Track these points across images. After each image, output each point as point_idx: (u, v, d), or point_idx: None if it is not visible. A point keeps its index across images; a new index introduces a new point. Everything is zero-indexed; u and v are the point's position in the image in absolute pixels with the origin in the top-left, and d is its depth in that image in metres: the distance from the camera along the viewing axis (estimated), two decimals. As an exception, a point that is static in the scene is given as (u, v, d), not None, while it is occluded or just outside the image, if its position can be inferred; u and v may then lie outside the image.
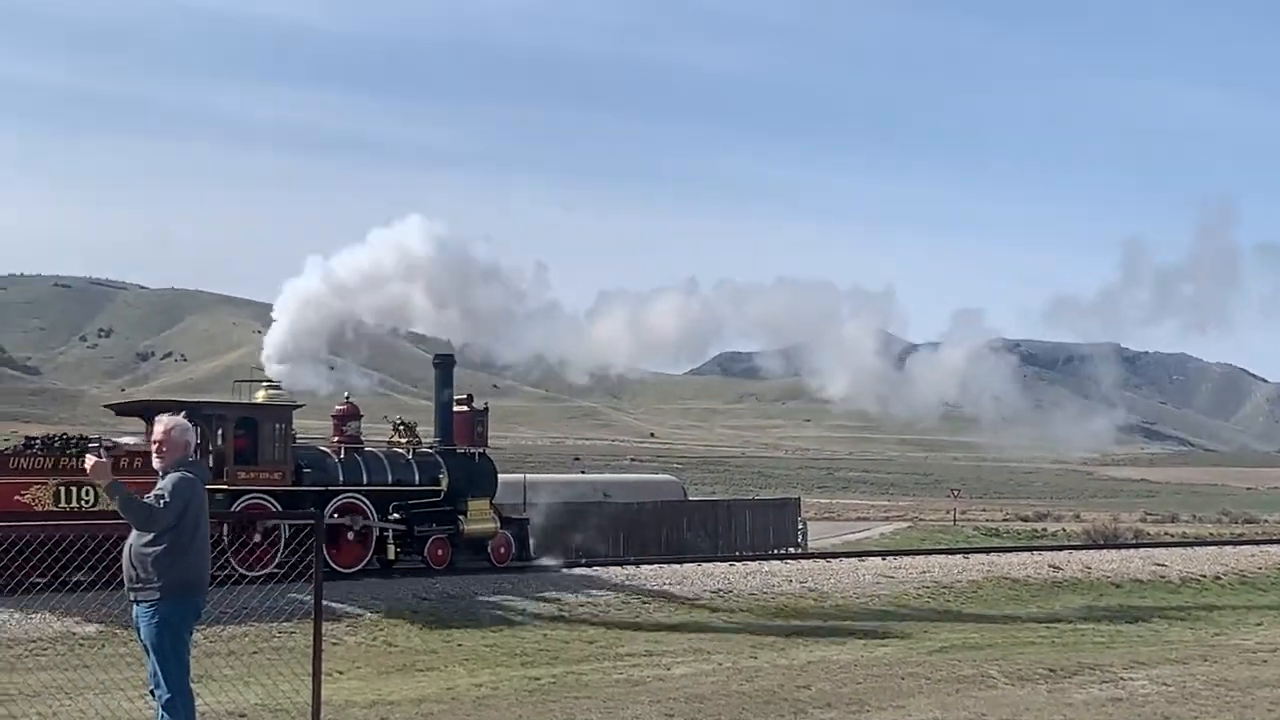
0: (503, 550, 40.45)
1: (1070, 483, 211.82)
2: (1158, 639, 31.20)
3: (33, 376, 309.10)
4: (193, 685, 11.41)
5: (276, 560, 36.18)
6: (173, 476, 11.10)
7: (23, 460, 34.17)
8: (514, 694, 22.60)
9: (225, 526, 34.78)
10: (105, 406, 49.58)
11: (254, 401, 40.35)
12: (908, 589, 43.11)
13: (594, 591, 39.46)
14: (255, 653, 23.47)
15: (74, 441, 35.12)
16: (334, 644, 27.59)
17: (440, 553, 39.61)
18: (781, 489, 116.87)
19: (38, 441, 35.07)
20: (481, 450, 42.32)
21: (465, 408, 42.89)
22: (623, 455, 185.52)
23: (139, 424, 38.90)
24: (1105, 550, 56.63)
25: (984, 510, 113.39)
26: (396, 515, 39.65)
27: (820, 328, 49.17)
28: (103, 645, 26.30)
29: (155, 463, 11.34)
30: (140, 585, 10.98)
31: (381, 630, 31.71)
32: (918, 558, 49.52)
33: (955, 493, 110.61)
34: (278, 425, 38.24)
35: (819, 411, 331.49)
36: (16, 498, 32.99)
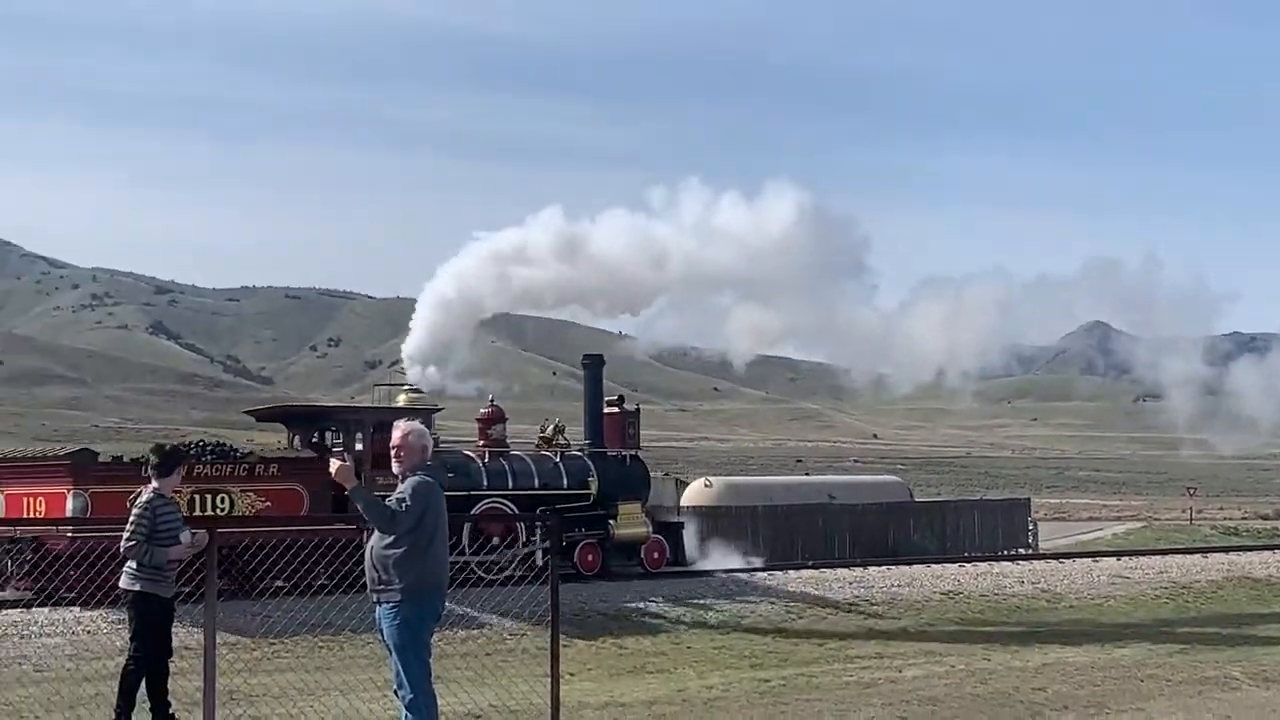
0: (656, 555, 39.70)
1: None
2: None
3: (266, 386, 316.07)
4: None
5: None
6: (412, 480, 11.32)
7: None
8: (744, 696, 22.65)
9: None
10: (245, 413, 50.34)
11: (392, 405, 40.03)
12: (1144, 589, 42.39)
13: (796, 595, 39.16)
14: (488, 655, 23.71)
15: (207, 448, 35.49)
16: (565, 646, 27.94)
17: (590, 558, 38.75)
18: (1009, 489, 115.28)
19: (170, 449, 34.83)
20: (633, 453, 41.68)
21: (616, 409, 42.34)
22: (845, 457, 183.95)
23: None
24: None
25: (1221, 508, 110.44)
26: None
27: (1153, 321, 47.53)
28: (342, 647, 26.79)
29: (394, 467, 11.58)
30: (382, 587, 11.21)
31: (611, 634, 31.84)
32: (1154, 558, 48.62)
33: (1191, 491, 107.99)
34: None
35: (1048, 410, 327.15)
36: None
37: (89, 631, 27.73)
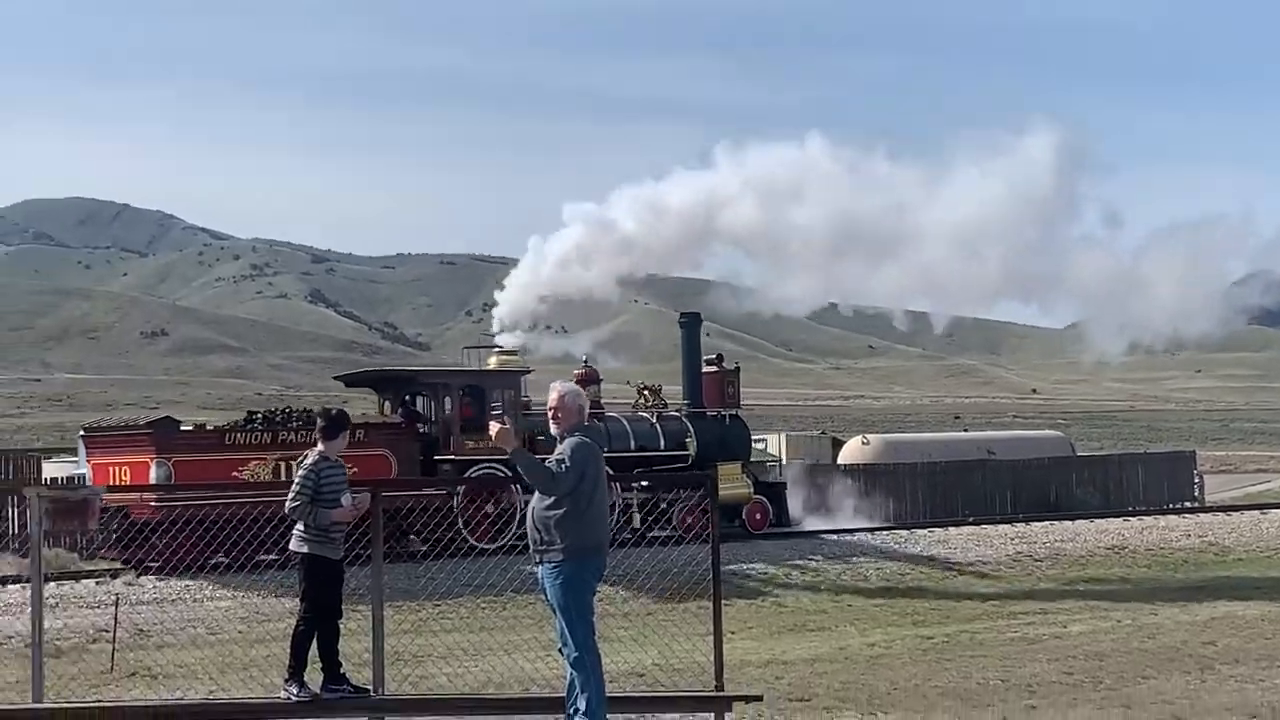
0: (758, 516, 38.75)
1: None
2: None
3: (423, 352, 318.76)
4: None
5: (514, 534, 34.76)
6: (570, 440, 11.43)
7: (240, 436, 34.22)
8: (907, 653, 22.71)
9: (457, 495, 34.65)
10: (335, 378, 50.29)
11: (481, 369, 39.90)
12: (1316, 542, 41.89)
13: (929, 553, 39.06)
14: (649, 614, 23.90)
15: (294, 415, 35.36)
16: (725, 605, 28.13)
17: (689, 520, 37.47)
18: (1173, 443, 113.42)
19: (259, 416, 35.23)
20: (733, 412, 40.79)
21: (714, 368, 41.59)
22: (1004, 412, 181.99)
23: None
24: None
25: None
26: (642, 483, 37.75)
27: None
28: (504, 608, 27.03)
29: (552, 428, 11.69)
30: (544, 547, 11.34)
31: (771, 592, 31.93)
32: (1326, 510, 48.04)
33: None
34: (507, 392, 37.34)
35: (1208, 362, 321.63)
36: (235, 473, 32.88)
37: (260, 595, 28.21)
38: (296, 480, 12.58)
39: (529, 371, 39.62)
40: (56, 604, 27.43)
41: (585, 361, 41.98)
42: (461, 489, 35.24)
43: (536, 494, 11.58)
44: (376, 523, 13.47)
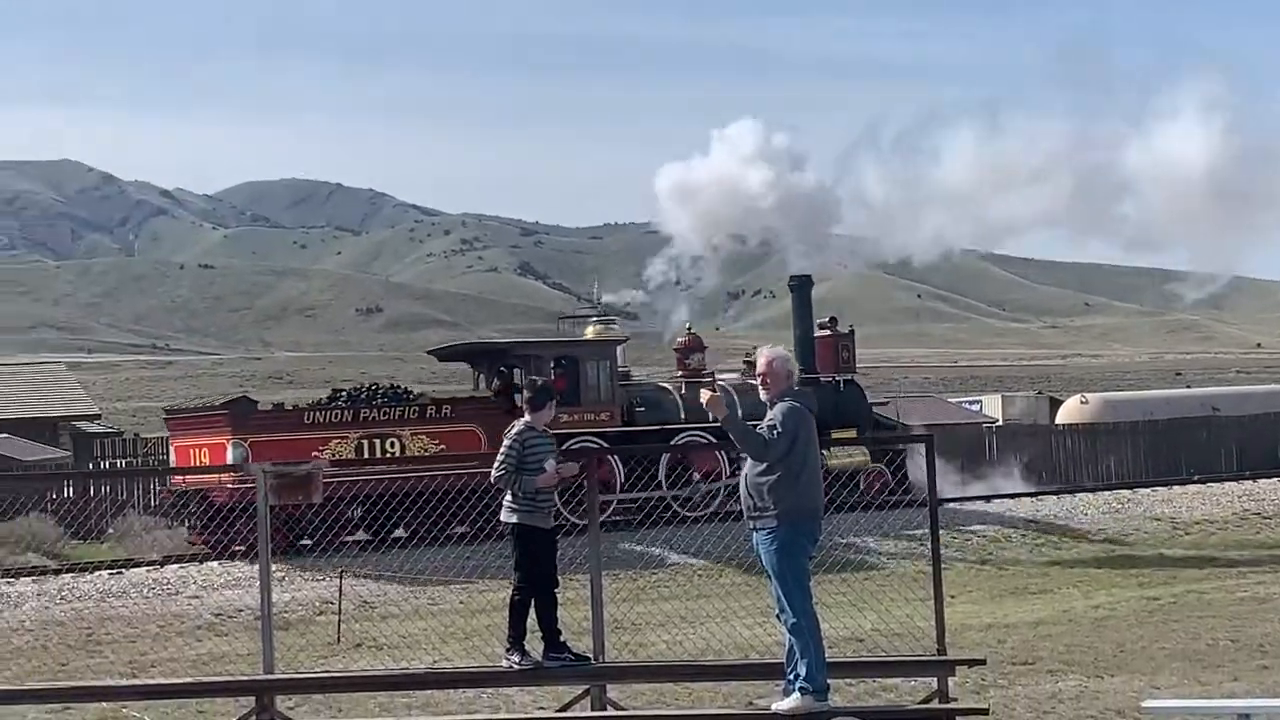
0: (877, 485, 36.44)
1: None
2: None
3: (632, 323, 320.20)
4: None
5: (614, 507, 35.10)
6: (781, 406, 11.41)
7: (320, 414, 34.09)
8: (1132, 614, 22.56)
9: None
10: (428, 352, 49.67)
11: (574, 338, 39.55)
12: None
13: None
14: (866, 579, 23.88)
15: (378, 393, 35.16)
16: (944, 568, 28.06)
17: (875, 484, 35.88)
18: None
19: (344, 394, 35.06)
20: (848, 378, 39.64)
21: (828, 332, 40.56)
22: (1227, 368, 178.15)
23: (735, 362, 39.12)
24: None
25: None
26: None
27: None
28: (719, 575, 27.18)
29: (761, 394, 11.67)
30: (758, 513, 11.35)
31: (990, 555, 31.79)
32: None
33: None
34: (602, 362, 36.77)
35: None
36: (315, 453, 31.82)
37: (477, 566, 28.51)
38: (501, 450, 12.69)
39: (625, 340, 39.49)
40: (283, 578, 28.11)
41: (689, 328, 41.40)
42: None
43: (750, 460, 11.58)
44: (592, 491, 13.61)
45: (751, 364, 34.17)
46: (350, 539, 31.43)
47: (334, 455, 32.20)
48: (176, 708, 12.96)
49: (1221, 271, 50.10)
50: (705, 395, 12.23)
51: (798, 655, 11.43)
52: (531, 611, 12.64)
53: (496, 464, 12.75)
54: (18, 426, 49.91)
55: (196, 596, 27.97)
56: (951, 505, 35.79)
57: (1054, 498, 40.27)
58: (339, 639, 22.56)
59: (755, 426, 11.62)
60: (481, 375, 38.47)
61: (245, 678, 13.30)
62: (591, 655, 12.62)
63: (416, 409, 34.75)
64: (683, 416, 36.70)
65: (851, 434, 37.54)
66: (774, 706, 11.55)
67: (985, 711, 11.85)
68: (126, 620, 25.65)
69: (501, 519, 12.82)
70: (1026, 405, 64.28)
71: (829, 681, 11.60)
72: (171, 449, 35.58)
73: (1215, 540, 34.83)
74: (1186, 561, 31.11)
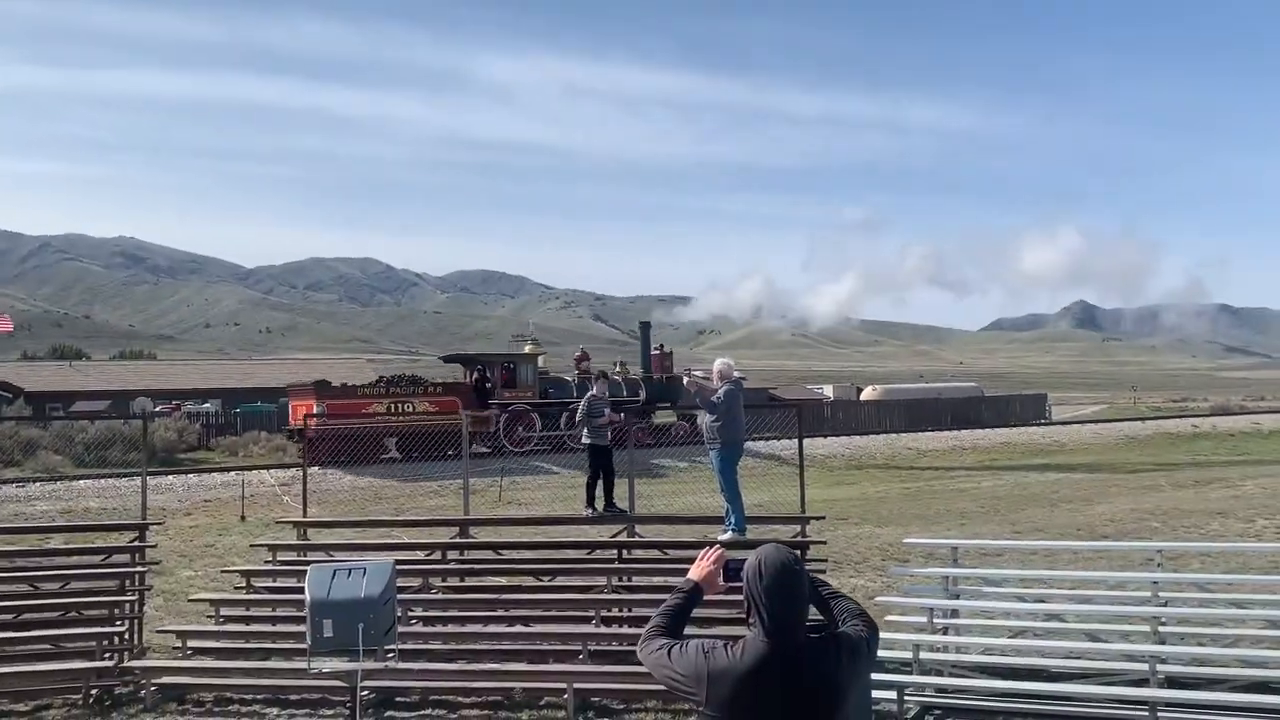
0: (680, 433, 32.43)
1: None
2: (1257, 465, 29.28)
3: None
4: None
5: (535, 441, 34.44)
6: (724, 387, 11.32)
7: (367, 389, 33.52)
8: (896, 496, 23.14)
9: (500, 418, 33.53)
10: (440, 358, 47.35)
11: (515, 353, 38.52)
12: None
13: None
14: (764, 475, 24.39)
15: (401, 379, 34.67)
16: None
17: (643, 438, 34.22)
18: None
19: (382, 379, 34.74)
20: (669, 375, 37.62)
21: (658, 351, 38.98)
22: (946, 374, 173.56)
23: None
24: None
25: None
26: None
27: None
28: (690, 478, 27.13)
29: (715, 381, 11.46)
30: (711, 441, 11.26)
31: (822, 465, 31.82)
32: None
33: None
34: (528, 366, 36.15)
35: None
36: (363, 411, 32.00)
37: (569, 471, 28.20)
38: (580, 406, 12.90)
39: (542, 354, 38.76)
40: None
41: (581, 349, 40.75)
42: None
43: (705, 414, 11.30)
44: (630, 431, 13.58)
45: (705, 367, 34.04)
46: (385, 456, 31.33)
47: (374, 413, 32.08)
48: (423, 531, 13.35)
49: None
50: (686, 379, 12.05)
51: (730, 511, 11.27)
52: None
53: (578, 413, 12.91)
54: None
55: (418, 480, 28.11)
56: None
57: (859, 437, 40.60)
58: (500, 498, 22.96)
59: (711, 396, 11.27)
60: (467, 371, 37.88)
61: (455, 517, 13.60)
62: (626, 509, 12.48)
63: (421, 387, 34.38)
64: (574, 394, 34.97)
65: (669, 404, 36.66)
66: (718, 537, 10.79)
67: (824, 543, 11.85)
68: (396, 492, 25.55)
69: (582, 441, 12.96)
70: (844, 390, 64.68)
71: (746, 525, 11.26)
72: (290, 406, 34.92)
73: (937, 460, 35.21)
74: (924, 470, 31.47)
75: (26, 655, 9.85)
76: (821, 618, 3.25)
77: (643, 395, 36.94)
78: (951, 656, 8.57)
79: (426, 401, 33.11)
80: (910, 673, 8.21)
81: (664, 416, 36.46)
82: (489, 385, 35.29)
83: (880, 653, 3.88)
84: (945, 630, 8.99)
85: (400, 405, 32.72)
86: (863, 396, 57.90)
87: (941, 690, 8.20)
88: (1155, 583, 8.94)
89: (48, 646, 10.04)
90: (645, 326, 40.39)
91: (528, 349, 38.98)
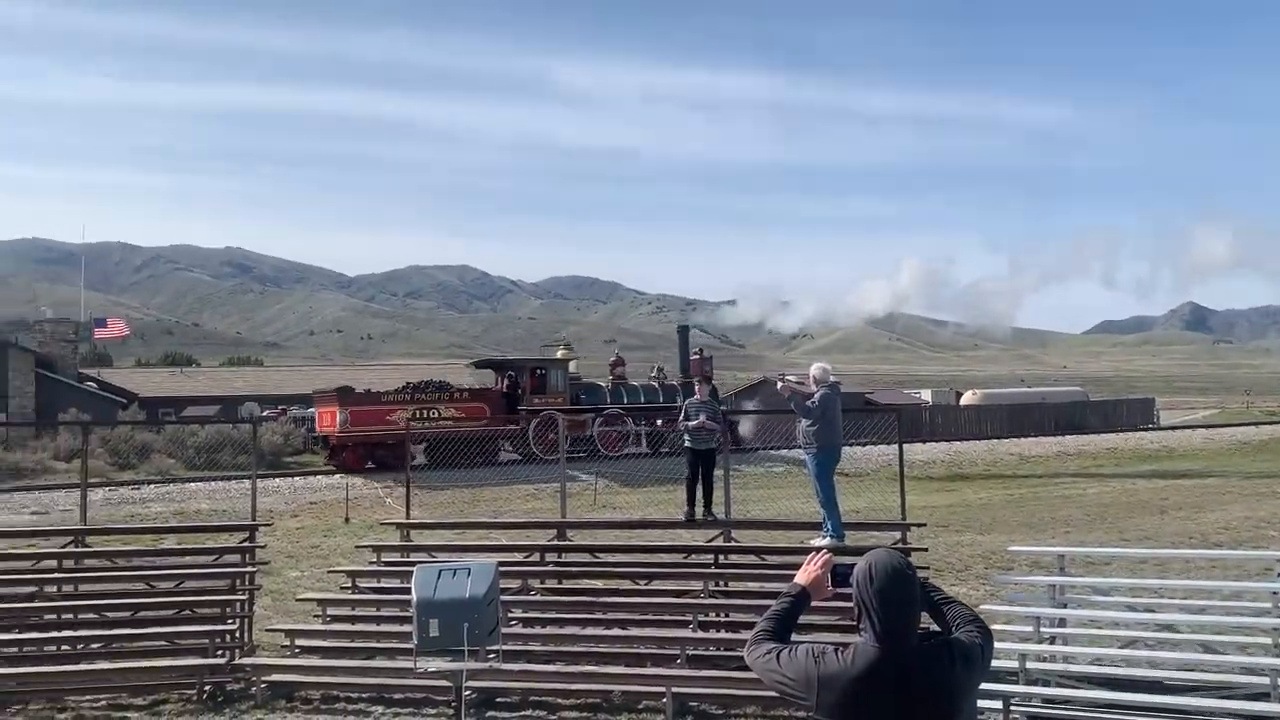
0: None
1: None
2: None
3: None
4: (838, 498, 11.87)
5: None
6: (819, 392, 11.18)
7: (391, 396, 32.67)
8: (998, 502, 22.70)
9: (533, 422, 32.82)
10: (468, 365, 45.78)
11: (545, 358, 37.89)
12: None
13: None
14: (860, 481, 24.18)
15: (426, 385, 33.74)
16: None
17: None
18: None
19: (408, 385, 33.54)
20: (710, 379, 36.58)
21: (697, 356, 37.55)
22: (1049, 379, 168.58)
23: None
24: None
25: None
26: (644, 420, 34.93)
27: None
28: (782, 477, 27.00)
29: (811, 386, 11.29)
30: (807, 445, 11.16)
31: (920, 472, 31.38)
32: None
33: None
34: (558, 371, 35.28)
35: None
36: (387, 418, 31.43)
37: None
38: (681, 410, 12.79)
39: (574, 359, 37.89)
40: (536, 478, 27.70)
41: (617, 353, 39.68)
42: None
43: (801, 419, 11.11)
44: (726, 434, 13.07)
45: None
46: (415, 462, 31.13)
47: (397, 420, 31.07)
48: (521, 533, 13.46)
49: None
50: (779, 385, 11.83)
51: (826, 517, 11.14)
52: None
53: (681, 416, 12.82)
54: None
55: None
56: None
57: (959, 443, 39.93)
58: (595, 501, 23.04)
59: (806, 400, 11.10)
60: (498, 377, 36.99)
61: (552, 520, 13.65)
62: (722, 515, 12.21)
63: (447, 393, 33.53)
64: (608, 400, 35.18)
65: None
66: (814, 542, 10.81)
67: (925, 550, 11.72)
68: (494, 494, 25.70)
69: (686, 445, 12.82)
70: (942, 394, 63.67)
71: (844, 532, 11.10)
72: (315, 412, 34.74)
73: (1040, 466, 34.48)
74: (1027, 476, 30.87)
75: (144, 651, 10.23)
76: (935, 624, 3.21)
77: (680, 401, 35.71)
78: (1059, 666, 8.40)
79: (453, 408, 32.50)
80: (1016, 682, 8.07)
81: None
82: (519, 391, 34.64)
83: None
84: (1052, 640, 8.84)
85: (425, 411, 32.07)
86: (963, 401, 56.90)
87: (1049, 701, 8.03)
88: (1275, 593, 8.63)
89: (163, 643, 10.40)
90: (684, 330, 39.93)
91: (560, 354, 38.20)
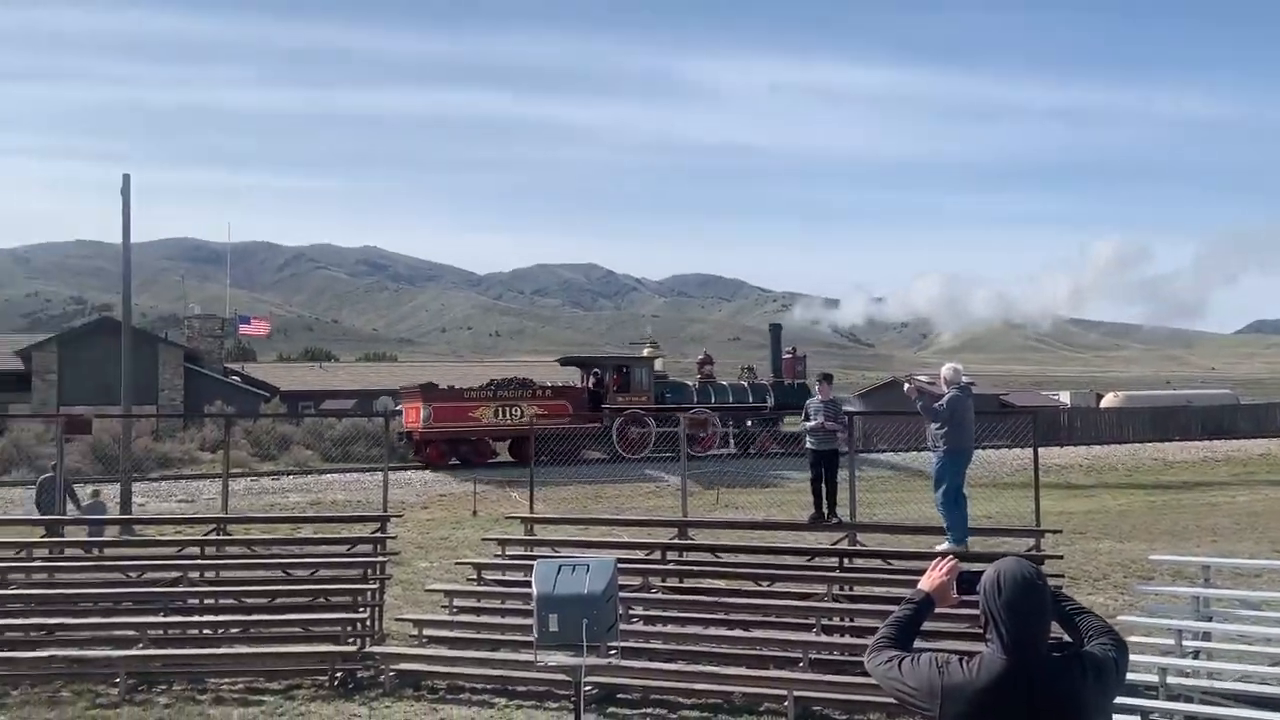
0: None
1: None
2: None
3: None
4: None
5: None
6: (948, 394, 10.97)
7: (474, 393, 32.48)
8: (1140, 509, 22.04)
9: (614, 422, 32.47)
10: (556, 360, 44.59)
11: (629, 355, 37.39)
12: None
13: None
14: (992, 487, 23.68)
15: (509, 381, 33.46)
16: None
17: (768, 445, 33.56)
18: None
19: (491, 382, 33.30)
20: (801, 380, 35.63)
21: (789, 356, 36.90)
22: (1194, 381, 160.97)
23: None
24: None
25: None
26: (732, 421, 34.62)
27: None
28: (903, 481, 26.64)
29: (942, 388, 11.13)
30: (936, 447, 10.97)
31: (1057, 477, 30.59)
32: None
33: None
34: (643, 369, 34.67)
35: None
36: (470, 414, 31.51)
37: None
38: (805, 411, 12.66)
39: (660, 357, 37.34)
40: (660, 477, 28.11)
41: (705, 351, 38.94)
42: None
43: (929, 421, 10.92)
44: (852, 430, 12.94)
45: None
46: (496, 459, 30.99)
47: (480, 417, 31.58)
48: (642, 531, 13.53)
49: None
50: (907, 386, 11.49)
51: (948, 522, 10.88)
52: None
53: (801, 418, 12.68)
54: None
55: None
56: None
57: (1098, 447, 38.69)
58: (717, 501, 23.08)
59: (934, 402, 10.91)
60: (584, 374, 36.46)
61: (673, 518, 13.69)
62: (848, 517, 12.33)
63: (530, 390, 33.38)
64: (695, 399, 34.64)
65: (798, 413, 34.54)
66: (937, 547, 10.55)
67: (1060, 557, 11.54)
68: (616, 491, 25.66)
69: (807, 446, 12.71)
70: (1082, 397, 61.74)
71: (969, 537, 10.83)
72: (402, 409, 34.31)
73: (1186, 472, 33.19)
74: (1171, 482, 29.76)
75: (280, 637, 10.64)
76: (1067, 635, 3.09)
77: (770, 401, 35.55)
78: (1203, 682, 8.06)
79: (535, 405, 32.38)
80: (1156, 697, 7.77)
81: (794, 423, 34.70)
82: (603, 389, 34.42)
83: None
84: (1195, 654, 8.52)
85: (507, 409, 32.10)
86: (1103, 404, 55.21)
87: (1192, 718, 7.70)
88: None
89: (298, 629, 10.80)
90: (776, 329, 39.20)
91: (646, 352, 37.58)
